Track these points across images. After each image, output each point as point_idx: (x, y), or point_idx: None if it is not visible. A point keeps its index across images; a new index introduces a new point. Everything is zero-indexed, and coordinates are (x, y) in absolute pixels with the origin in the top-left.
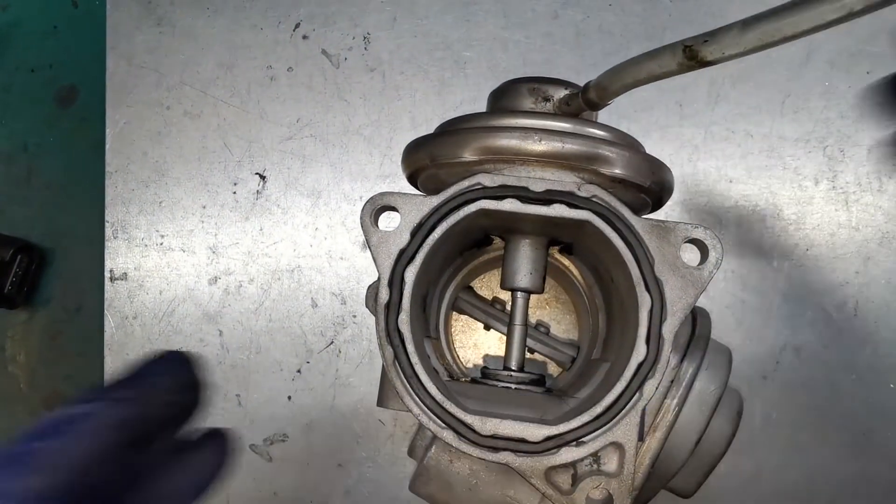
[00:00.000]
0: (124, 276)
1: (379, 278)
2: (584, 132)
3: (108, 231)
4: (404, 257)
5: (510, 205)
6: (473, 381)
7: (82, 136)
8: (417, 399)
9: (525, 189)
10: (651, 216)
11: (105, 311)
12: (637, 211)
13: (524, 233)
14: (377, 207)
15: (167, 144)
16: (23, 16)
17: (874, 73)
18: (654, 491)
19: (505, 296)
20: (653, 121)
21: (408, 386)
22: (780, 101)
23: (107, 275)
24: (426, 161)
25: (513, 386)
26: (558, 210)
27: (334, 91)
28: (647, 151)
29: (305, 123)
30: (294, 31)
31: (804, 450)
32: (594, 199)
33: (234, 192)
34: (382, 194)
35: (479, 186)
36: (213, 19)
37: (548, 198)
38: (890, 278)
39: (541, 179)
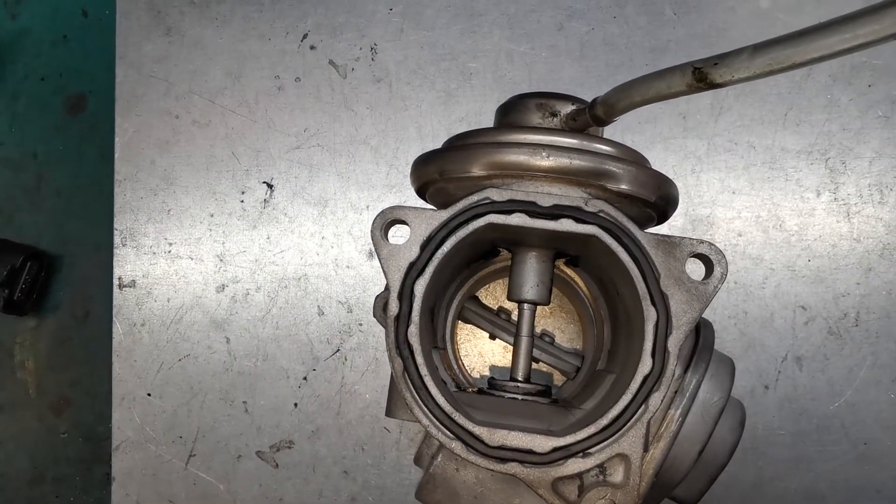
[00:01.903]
0: (132, 284)
1: (388, 291)
2: (591, 148)
3: (117, 238)
4: (414, 270)
5: (518, 219)
6: (480, 391)
7: (91, 144)
8: (426, 410)
9: (533, 204)
10: (656, 229)
11: (113, 318)
12: (642, 225)
13: (531, 246)
14: (387, 221)
15: (175, 153)
16: (33, 25)
17: (876, 86)
18: (658, 500)
19: (510, 305)
20: (657, 132)
21: (417, 397)
22: (782, 113)
23: (115, 282)
24: (435, 175)
25: (519, 397)
26: (565, 225)
27: (341, 101)
28: (651, 163)
29: (313, 133)
30: (302, 41)
31: (806, 459)
32: (601, 214)
33: (242, 201)
34: (392, 208)
35: (488, 201)
36: (222, 29)
37: (555, 212)
38: (891, 289)
39: (548, 194)
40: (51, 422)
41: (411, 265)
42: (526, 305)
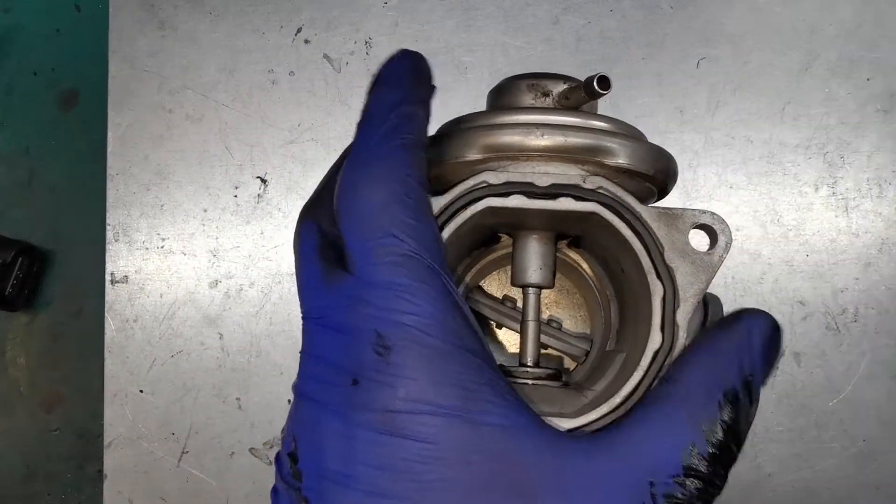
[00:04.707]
0: (125, 279)
1: None
2: (586, 124)
3: (110, 234)
4: None
5: (516, 201)
6: None
7: (84, 139)
8: None
9: (530, 184)
10: (657, 204)
11: (105, 314)
12: (643, 200)
13: (532, 228)
14: None
15: (169, 148)
16: (25, 19)
17: (874, 79)
18: None
19: (515, 293)
20: (653, 126)
21: None
22: (780, 107)
23: (107, 277)
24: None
25: (529, 382)
26: (564, 203)
27: (335, 95)
28: None
29: (307, 127)
30: (296, 35)
31: (804, 456)
32: (600, 191)
33: (236, 196)
34: None
35: (485, 184)
36: (215, 23)
37: (553, 192)
38: (890, 284)
39: (545, 174)
40: (42, 418)
41: None
42: (531, 290)
